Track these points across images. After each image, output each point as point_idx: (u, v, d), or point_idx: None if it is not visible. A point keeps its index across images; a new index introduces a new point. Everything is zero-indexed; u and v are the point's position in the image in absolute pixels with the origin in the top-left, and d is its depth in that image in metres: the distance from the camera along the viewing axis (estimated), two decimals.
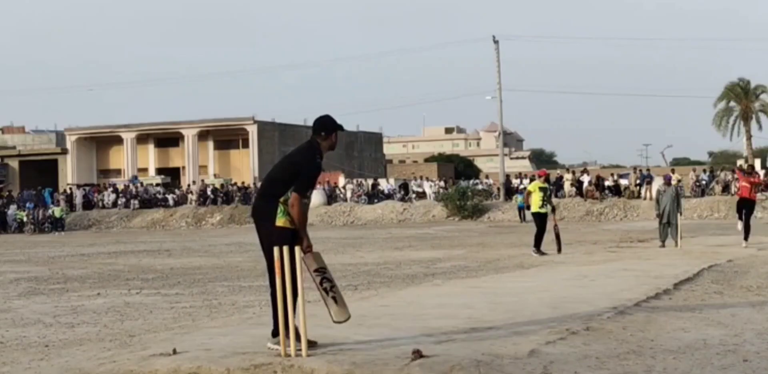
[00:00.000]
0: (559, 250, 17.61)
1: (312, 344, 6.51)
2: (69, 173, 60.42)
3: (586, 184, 43.32)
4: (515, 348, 6.51)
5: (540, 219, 17.63)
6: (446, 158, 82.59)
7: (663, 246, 18.35)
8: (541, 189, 17.74)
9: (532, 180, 47.11)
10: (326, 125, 6.81)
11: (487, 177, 57.75)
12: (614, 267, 13.92)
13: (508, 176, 48.86)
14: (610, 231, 28.81)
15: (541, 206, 17.58)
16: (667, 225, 18.62)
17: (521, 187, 46.25)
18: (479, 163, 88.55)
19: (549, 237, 17.68)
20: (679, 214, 18.65)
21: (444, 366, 5.82)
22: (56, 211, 45.98)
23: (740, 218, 18.73)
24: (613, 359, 6.28)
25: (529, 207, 18.14)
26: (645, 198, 41.20)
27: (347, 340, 6.97)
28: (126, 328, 9.09)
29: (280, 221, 6.64)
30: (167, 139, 60.99)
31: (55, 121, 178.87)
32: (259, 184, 51.86)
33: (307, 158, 6.71)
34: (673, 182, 41.06)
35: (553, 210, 18.06)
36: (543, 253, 17.32)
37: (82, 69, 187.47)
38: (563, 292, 10.30)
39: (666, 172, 49.32)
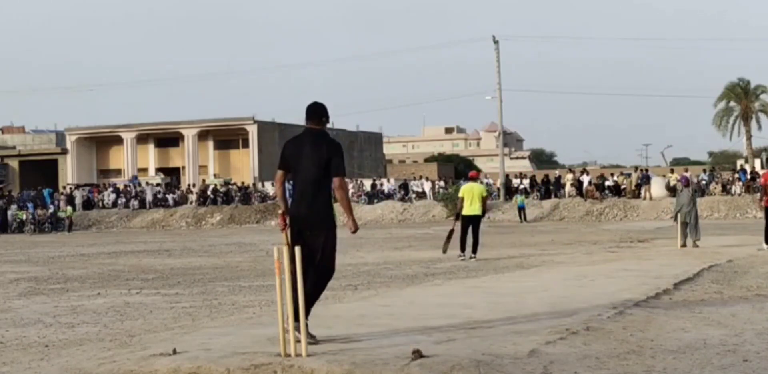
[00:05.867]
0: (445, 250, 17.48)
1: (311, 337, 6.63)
2: (69, 173, 60.41)
3: (586, 184, 43.33)
4: (515, 348, 6.51)
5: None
6: (446, 158, 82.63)
7: (695, 245, 17.98)
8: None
9: (532, 181, 47.36)
10: (320, 112, 7.06)
11: (486, 176, 57.78)
12: (614, 267, 13.92)
13: (507, 176, 48.86)
14: (610, 231, 28.80)
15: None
16: (685, 225, 18.45)
17: (521, 186, 46.32)
18: (479, 163, 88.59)
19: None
20: (694, 210, 18.39)
21: (444, 366, 5.82)
22: (67, 211, 45.97)
23: None
24: (613, 359, 6.27)
25: (485, 212, 17.86)
26: (645, 198, 41.23)
27: (347, 340, 6.98)
28: (126, 328, 9.09)
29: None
30: (167, 139, 60.99)
31: (55, 121, 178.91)
32: (259, 184, 52.01)
33: (335, 142, 6.95)
34: (673, 182, 41.17)
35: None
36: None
37: (82, 69, 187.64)
38: (563, 292, 10.30)
39: (665, 171, 49.41)
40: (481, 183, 18.93)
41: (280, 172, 7.13)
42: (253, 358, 6.23)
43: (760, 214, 36.42)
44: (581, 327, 7.43)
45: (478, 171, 31.04)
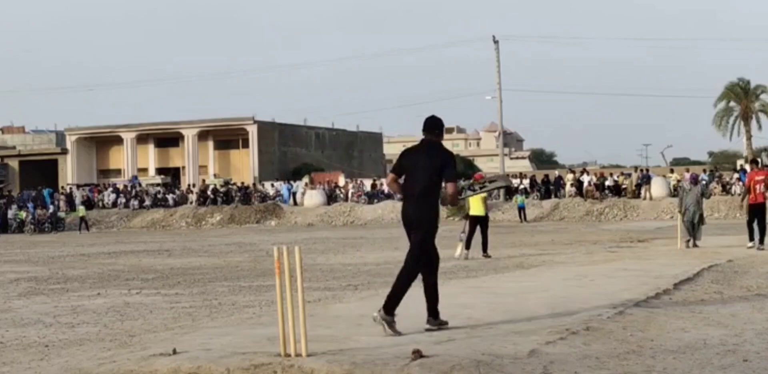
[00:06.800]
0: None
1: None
2: (69, 173, 60.43)
3: (586, 184, 43.33)
4: (515, 348, 6.51)
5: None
6: None
7: (695, 245, 17.96)
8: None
9: (532, 181, 47.37)
10: (434, 125, 7.74)
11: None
12: (614, 267, 13.91)
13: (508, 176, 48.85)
14: (610, 231, 28.80)
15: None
16: (689, 224, 18.40)
17: (521, 186, 46.32)
18: (479, 163, 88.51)
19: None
20: (700, 214, 18.47)
21: (444, 366, 5.82)
22: (81, 211, 46.21)
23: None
24: (613, 359, 6.27)
25: (487, 214, 18.33)
26: (645, 198, 41.23)
27: (347, 340, 6.98)
28: (126, 328, 9.09)
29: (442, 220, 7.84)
30: (167, 139, 60.99)
31: (55, 121, 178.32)
32: (259, 184, 52.05)
33: (449, 151, 7.69)
34: (673, 182, 41.16)
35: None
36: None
37: (82, 69, 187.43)
38: (563, 292, 10.29)
39: (665, 171, 49.40)
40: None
41: (391, 175, 7.88)
42: (253, 358, 6.23)
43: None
44: (581, 327, 7.43)
45: (477, 171, 31.16)
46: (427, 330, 7.50)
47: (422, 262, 7.82)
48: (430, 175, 7.52)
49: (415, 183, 7.60)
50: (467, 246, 17.55)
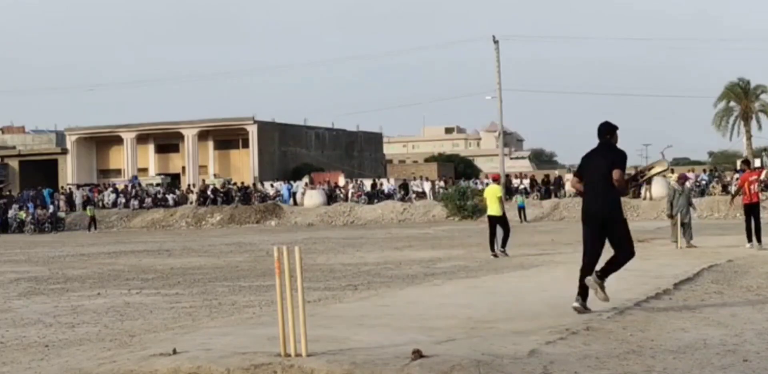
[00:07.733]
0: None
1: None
2: (69, 173, 60.40)
3: None
4: (515, 348, 6.51)
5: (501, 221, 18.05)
6: (446, 158, 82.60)
7: (693, 245, 17.93)
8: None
9: (532, 181, 47.38)
10: (604, 130, 8.70)
11: (486, 177, 57.79)
12: None
13: (508, 176, 48.85)
14: None
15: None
16: (683, 225, 18.36)
17: (521, 186, 46.37)
18: (479, 163, 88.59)
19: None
20: (692, 211, 18.63)
21: (444, 366, 5.82)
22: (89, 211, 46.39)
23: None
24: (613, 359, 6.28)
25: (504, 213, 18.41)
26: (645, 198, 41.22)
27: (347, 340, 6.98)
28: (126, 328, 9.09)
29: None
30: (167, 144, 60.90)
31: (55, 121, 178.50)
32: (259, 184, 52.01)
33: (621, 151, 8.59)
34: (671, 182, 41.17)
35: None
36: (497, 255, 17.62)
37: (82, 69, 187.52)
38: (563, 292, 10.27)
39: (665, 171, 49.40)
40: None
41: (575, 178, 9.00)
42: (253, 358, 6.23)
43: (763, 214, 36.50)
44: (581, 327, 7.43)
45: (478, 171, 31.36)
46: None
47: (633, 248, 8.72)
48: (605, 172, 8.29)
49: (595, 180, 8.43)
50: (491, 246, 17.79)
